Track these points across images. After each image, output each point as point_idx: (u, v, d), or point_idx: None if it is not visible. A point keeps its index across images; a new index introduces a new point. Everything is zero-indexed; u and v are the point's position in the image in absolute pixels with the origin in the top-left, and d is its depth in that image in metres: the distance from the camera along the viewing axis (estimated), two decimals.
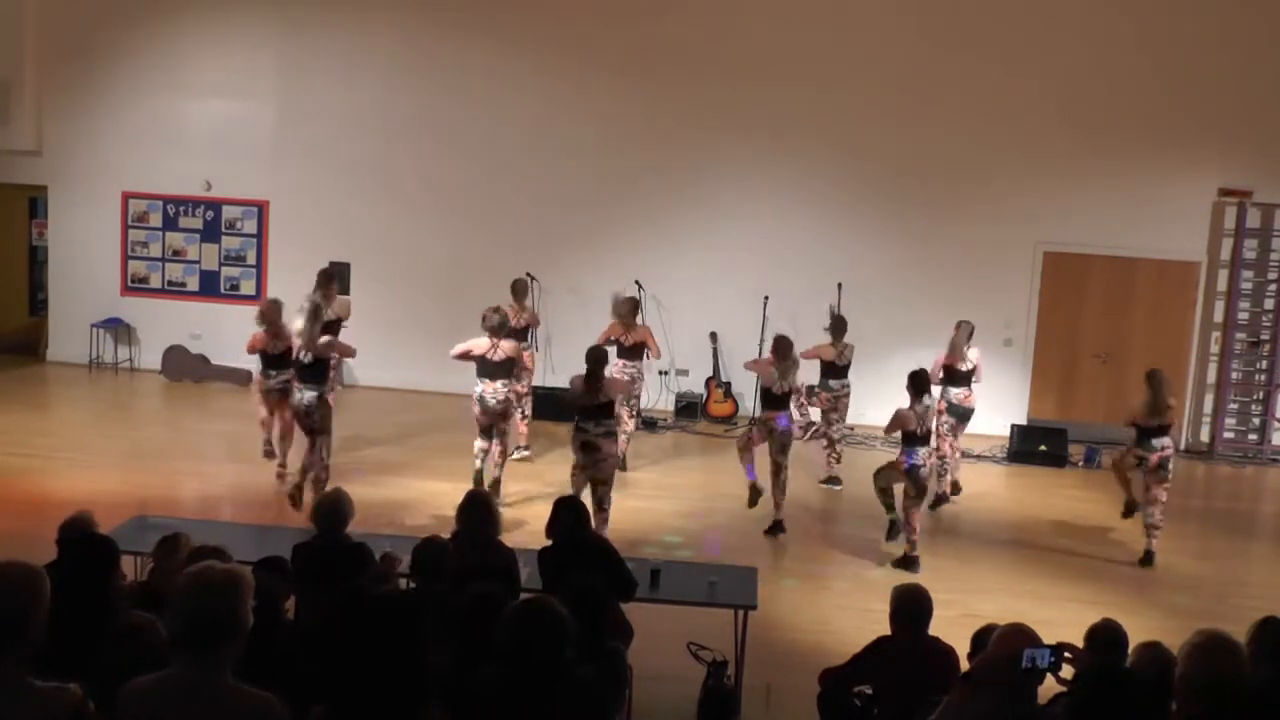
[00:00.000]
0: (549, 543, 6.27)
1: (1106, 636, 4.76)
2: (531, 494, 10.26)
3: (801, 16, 13.82)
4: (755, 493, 9.84)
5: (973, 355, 10.97)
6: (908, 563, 9.00)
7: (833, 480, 11.50)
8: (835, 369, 11.43)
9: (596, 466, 8.76)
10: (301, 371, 9.44)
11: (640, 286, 14.07)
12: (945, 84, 13.72)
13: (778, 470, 9.73)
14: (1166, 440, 9.44)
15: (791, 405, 9.75)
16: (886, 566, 9.06)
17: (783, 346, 9.77)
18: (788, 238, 14.02)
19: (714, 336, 14.09)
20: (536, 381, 13.99)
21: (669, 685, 6.53)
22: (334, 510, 6.05)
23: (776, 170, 14.01)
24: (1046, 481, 12.21)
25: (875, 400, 13.55)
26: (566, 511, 6.30)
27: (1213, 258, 13.91)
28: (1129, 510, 9.76)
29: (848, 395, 11.61)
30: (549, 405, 13.54)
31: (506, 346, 9.81)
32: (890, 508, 9.33)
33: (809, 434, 12.35)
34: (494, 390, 9.68)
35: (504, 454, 10.02)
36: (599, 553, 6.20)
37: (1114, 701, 3.69)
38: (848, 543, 9.71)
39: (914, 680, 4.96)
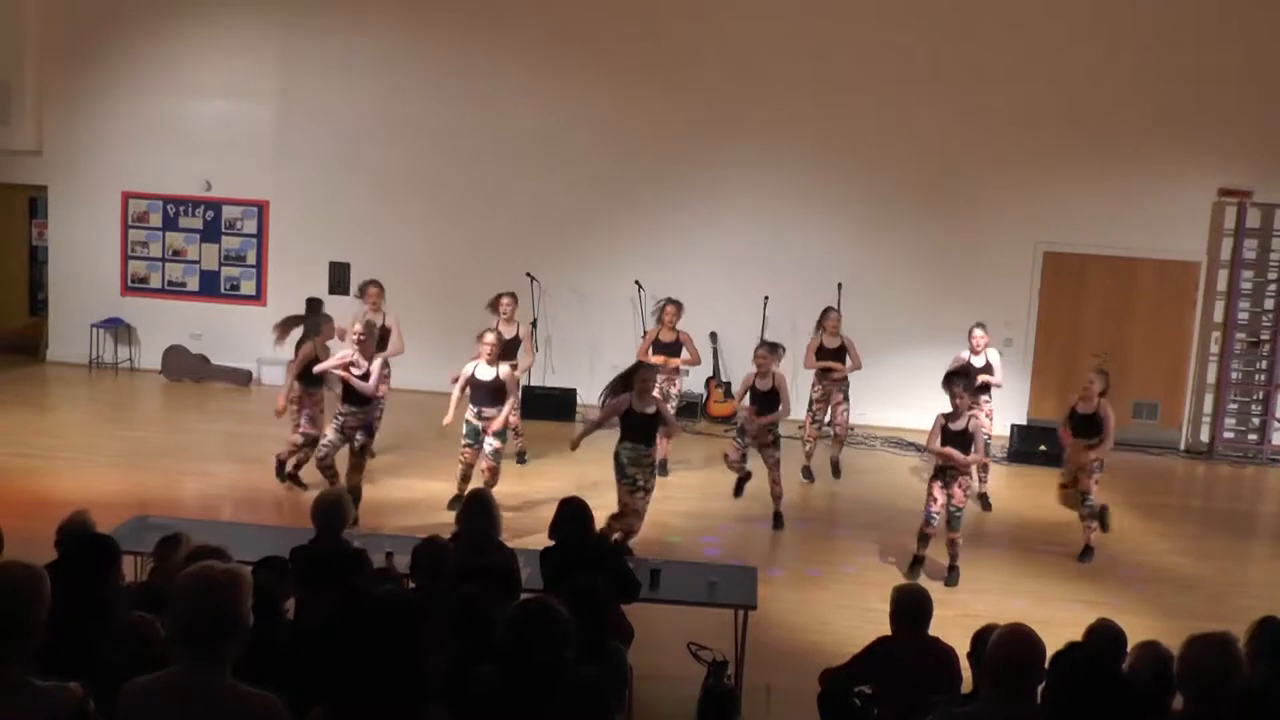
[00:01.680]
0: (551, 543, 6.25)
1: (1105, 636, 4.76)
2: (532, 495, 10.26)
3: (801, 19, 13.82)
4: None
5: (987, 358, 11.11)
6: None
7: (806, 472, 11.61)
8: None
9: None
10: None
11: (640, 286, 14.08)
12: (945, 85, 13.72)
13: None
14: None
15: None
16: (885, 567, 9.05)
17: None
18: (788, 238, 14.02)
19: (714, 336, 14.08)
20: (536, 381, 14.04)
21: (669, 685, 6.54)
22: (332, 512, 6.02)
23: (776, 171, 14.01)
24: (1047, 481, 12.15)
25: (875, 400, 13.59)
26: (570, 511, 6.27)
27: (1213, 258, 13.91)
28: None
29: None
30: (546, 405, 13.59)
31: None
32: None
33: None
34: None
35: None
36: (601, 553, 6.18)
37: (1091, 694, 3.70)
38: (847, 543, 9.71)
39: (914, 680, 4.96)
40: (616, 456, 8.73)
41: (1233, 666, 3.77)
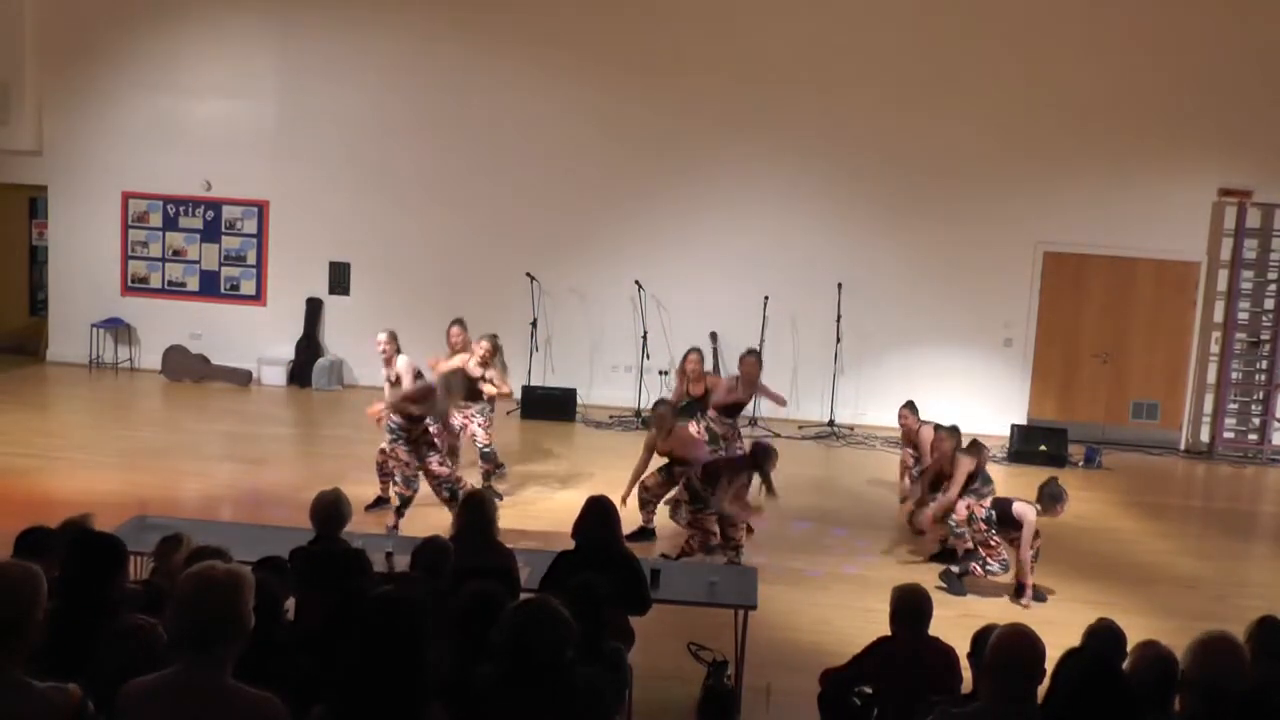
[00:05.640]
0: (571, 545, 6.06)
1: (1105, 637, 4.75)
2: (537, 495, 10.26)
3: (804, 18, 13.83)
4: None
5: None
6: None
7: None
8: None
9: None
10: None
11: (640, 286, 14.08)
12: (946, 85, 13.73)
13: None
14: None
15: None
16: (885, 567, 9.04)
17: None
18: (788, 238, 14.02)
19: (714, 336, 14.08)
20: (536, 381, 14.04)
21: (669, 685, 6.53)
22: (331, 513, 6.00)
23: (777, 170, 14.02)
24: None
25: (875, 401, 13.60)
26: (598, 509, 6.07)
27: (1213, 258, 13.92)
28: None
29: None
30: (547, 405, 13.60)
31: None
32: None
33: None
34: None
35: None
36: (623, 564, 5.93)
37: (1097, 694, 3.70)
38: (847, 543, 9.70)
39: (914, 680, 4.96)
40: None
41: (1240, 668, 3.77)
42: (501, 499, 9.35)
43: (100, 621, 4.13)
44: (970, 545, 8.66)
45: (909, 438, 10.38)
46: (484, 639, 4.21)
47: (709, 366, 14.02)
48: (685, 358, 10.31)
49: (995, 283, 13.94)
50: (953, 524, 8.86)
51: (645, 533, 9.03)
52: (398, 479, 9.00)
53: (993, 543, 8.46)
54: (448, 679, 3.98)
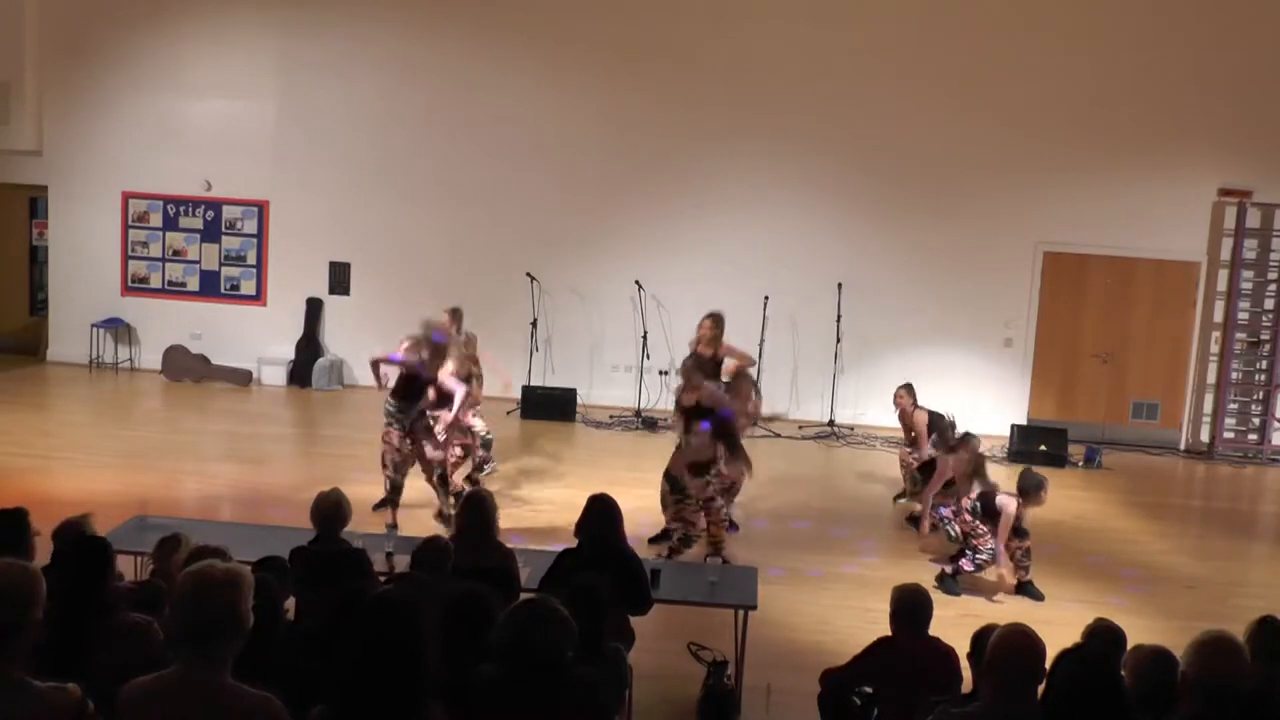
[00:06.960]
0: (576, 542, 6.04)
1: (1106, 637, 4.75)
2: (537, 495, 10.26)
3: (803, 18, 13.82)
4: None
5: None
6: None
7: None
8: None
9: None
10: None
11: (640, 286, 14.08)
12: (946, 84, 13.72)
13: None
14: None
15: None
16: (885, 567, 9.04)
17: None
18: (788, 238, 14.02)
19: None
20: (536, 381, 14.04)
21: (669, 685, 6.53)
22: (332, 513, 6.00)
23: (777, 170, 14.01)
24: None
25: (875, 401, 13.58)
26: (600, 509, 6.05)
27: (1213, 258, 13.91)
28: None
29: None
30: (547, 405, 13.60)
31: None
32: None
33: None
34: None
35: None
36: (625, 565, 5.91)
37: (1092, 693, 3.70)
38: (847, 543, 9.71)
39: (914, 680, 4.96)
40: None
41: (1240, 668, 3.76)
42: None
43: (96, 621, 4.14)
44: (959, 539, 8.75)
45: (904, 419, 10.33)
46: (471, 642, 4.21)
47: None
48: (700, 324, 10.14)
49: (995, 283, 13.93)
50: (943, 519, 8.92)
51: (668, 534, 8.99)
52: (386, 463, 8.98)
53: (980, 531, 8.52)
54: (447, 679, 3.98)
